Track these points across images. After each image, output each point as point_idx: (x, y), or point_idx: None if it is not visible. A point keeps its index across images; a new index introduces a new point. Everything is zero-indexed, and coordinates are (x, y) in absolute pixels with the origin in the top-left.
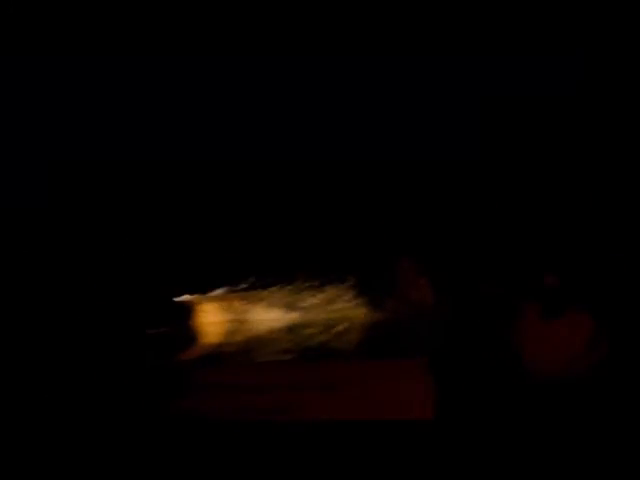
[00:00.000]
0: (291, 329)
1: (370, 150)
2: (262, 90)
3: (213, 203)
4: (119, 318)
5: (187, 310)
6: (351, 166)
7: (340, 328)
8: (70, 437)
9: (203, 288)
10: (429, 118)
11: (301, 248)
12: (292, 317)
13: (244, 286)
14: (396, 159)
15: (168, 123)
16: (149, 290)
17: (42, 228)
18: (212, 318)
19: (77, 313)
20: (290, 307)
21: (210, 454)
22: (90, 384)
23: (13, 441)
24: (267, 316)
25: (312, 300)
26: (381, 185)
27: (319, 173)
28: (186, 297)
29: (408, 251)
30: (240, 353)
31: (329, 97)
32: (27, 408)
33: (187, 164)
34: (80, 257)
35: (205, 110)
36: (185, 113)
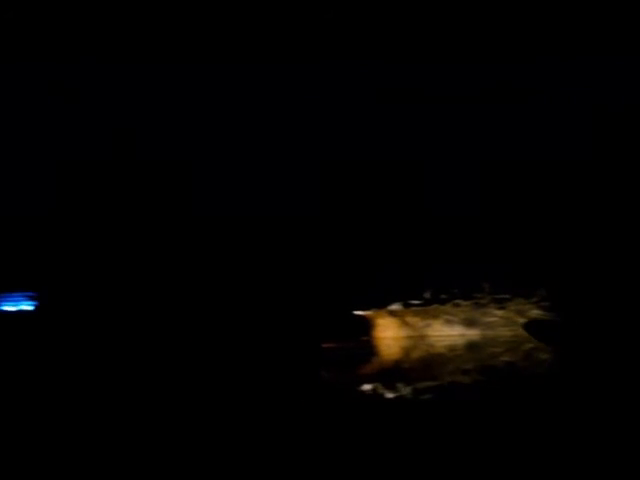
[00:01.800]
0: (472, 347)
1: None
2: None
3: (386, 218)
4: (296, 330)
5: (364, 325)
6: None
7: (527, 347)
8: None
9: (380, 302)
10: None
11: (482, 260)
12: (473, 334)
13: (421, 301)
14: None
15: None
16: (326, 304)
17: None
18: (389, 333)
19: (255, 324)
20: (471, 323)
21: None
22: (262, 392)
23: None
24: (446, 332)
25: (495, 316)
26: (575, 196)
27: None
28: (363, 312)
29: (608, 261)
30: (418, 370)
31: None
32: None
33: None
34: (260, 271)
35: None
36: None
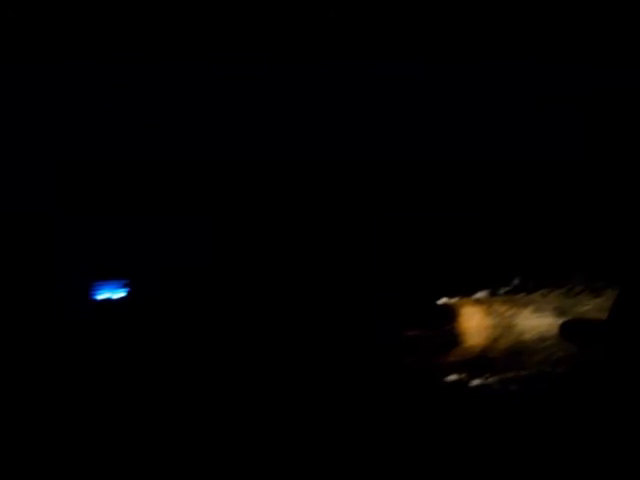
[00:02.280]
0: None
1: None
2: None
3: (471, 202)
4: (379, 318)
5: (448, 313)
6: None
7: None
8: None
9: (465, 290)
10: None
11: (575, 246)
12: None
13: (509, 288)
14: None
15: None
16: (410, 291)
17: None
18: (474, 322)
19: (336, 312)
20: (562, 313)
21: None
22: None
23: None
24: (535, 322)
25: (588, 305)
26: None
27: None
28: (447, 299)
29: None
30: (505, 360)
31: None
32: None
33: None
34: (343, 260)
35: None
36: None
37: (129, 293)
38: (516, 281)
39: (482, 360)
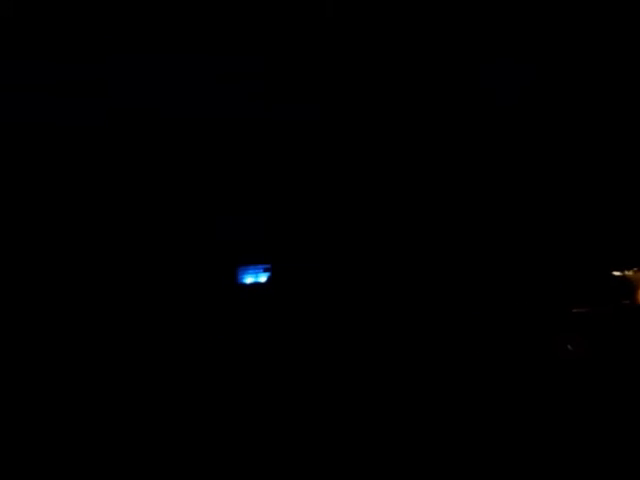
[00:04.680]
0: None
1: None
2: None
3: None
4: (541, 295)
5: (624, 287)
6: None
7: None
8: None
9: None
10: None
11: None
12: None
13: None
14: None
15: None
16: (578, 264)
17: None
18: None
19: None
20: None
21: None
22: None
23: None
24: None
25: None
26: None
27: None
28: (622, 272)
29: None
30: None
31: None
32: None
33: None
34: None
35: None
36: None
37: (270, 277)
38: None
39: None
